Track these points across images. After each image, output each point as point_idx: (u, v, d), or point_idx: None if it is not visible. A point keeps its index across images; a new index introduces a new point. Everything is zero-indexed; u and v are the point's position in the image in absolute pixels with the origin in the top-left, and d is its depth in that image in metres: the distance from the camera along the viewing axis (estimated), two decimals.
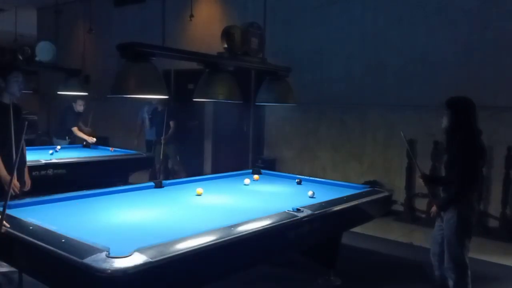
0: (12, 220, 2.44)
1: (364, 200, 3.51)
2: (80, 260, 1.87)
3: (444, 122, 3.18)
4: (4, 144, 3.30)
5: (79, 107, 6.58)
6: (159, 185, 3.69)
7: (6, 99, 3.47)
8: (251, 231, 2.44)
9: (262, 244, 2.59)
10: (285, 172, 4.88)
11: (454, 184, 3.10)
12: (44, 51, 5.69)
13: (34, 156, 4.92)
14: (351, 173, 6.42)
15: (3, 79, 3.39)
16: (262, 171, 4.62)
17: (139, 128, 7.29)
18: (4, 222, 2.26)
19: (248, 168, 4.81)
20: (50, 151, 5.55)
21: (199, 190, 3.51)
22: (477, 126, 3.12)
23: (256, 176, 4.32)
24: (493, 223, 5.41)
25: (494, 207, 5.40)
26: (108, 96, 3.20)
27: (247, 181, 4.02)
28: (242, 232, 2.39)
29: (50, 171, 4.54)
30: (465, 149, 3.05)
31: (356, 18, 6.46)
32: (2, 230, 2.22)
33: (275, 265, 3.86)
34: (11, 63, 5.92)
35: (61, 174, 4.65)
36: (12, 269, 3.07)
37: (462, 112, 3.12)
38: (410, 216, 5.89)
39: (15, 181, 3.21)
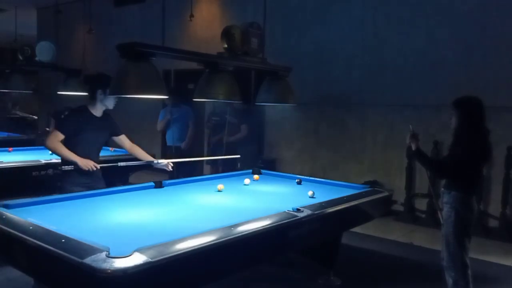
0: (12, 220, 2.45)
1: (364, 200, 3.51)
2: (80, 260, 1.87)
3: (453, 122, 3.18)
4: (78, 144, 3.58)
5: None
6: (159, 185, 3.69)
7: (97, 110, 3.70)
8: (251, 231, 2.44)
9: (262, 244, 2.58)
10: (285, 172, 4.88)
11: (443, 163, 3.23)
12: (44, 51, 5.67)
13: (34, 156, 4.92)
14: (351, 173, 6.42)
15: (102, 91, 3.61)
16: (262, 171, 4.62)
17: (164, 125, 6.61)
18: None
19: (248, 168, 4.80)
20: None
21: (220, 186, 3.64)
22: (485, 125, 3.12)
23: (256, 176, 4.31)
24: (493, 223, 5.41)
25: (494, 207, 5.40)
26: (108, 96, 3.21)
27: (247, 181, 4.02)
28: (242, 232, 2.38)
29: (50, 171, 4.52)
30: (470, 147, 3.05)
31: (356, 18, 6.46)
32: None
33: (275, 265, 3.86)
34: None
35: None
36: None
37: (470, 112, 3.12)
38: (410, 216, 5.89)
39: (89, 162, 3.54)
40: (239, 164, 6.49)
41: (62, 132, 3.55)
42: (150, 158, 3.98)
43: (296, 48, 6.98)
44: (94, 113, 3.70)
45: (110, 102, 3.72)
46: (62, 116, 3.58)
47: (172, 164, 3.88)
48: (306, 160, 6.97)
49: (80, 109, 3.71)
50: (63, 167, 3.56)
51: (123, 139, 3.97)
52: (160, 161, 3.93)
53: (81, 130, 3.59)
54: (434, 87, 5.76)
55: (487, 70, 5.43)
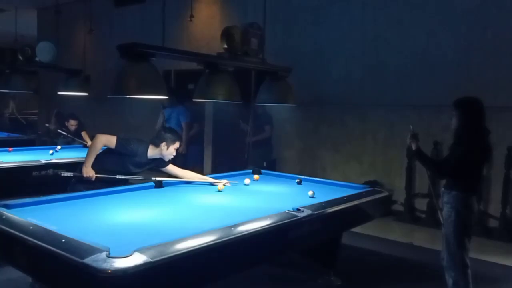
0: (12, 220, 2.45)
1: (364, 200, 3.51)
2: (80, 260, 1.87)
3: (454, 123, 3.18)
4: (113, 160, 3.72)
5: (71, 126, 6.40)
6: (159, 185, 3.69)
7: (153, 154, 3.75)
8: (251, 231, 2.44)
9: (262, 244, 2.58)
10: (285, 172, 4.88)
11: (443, 164, 3.25)
12: (44, 51, 5.67)
13: (34, 156, 4.93)
14: (351, 173, 6.42)
15: (166, 145, 3.72)
16: (262, 171, 4.62)
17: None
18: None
19: (248, 168, 4.80)
20: (50, 151, 5.55)
21: (220, 186, 3.66)
22: (485, 126, 3.13)
23: (256, 176, 4.31)
24: (493, 223, 5.41)
25: (494, 207, 5.40)
26: (108, 96, 3.21)
27: (247, 181, 4.02)
28: (242, 232, 2.39)
29: (50, 171, 4.53)
30: (470, 148, 3.06)
31: (356, 18, 6.46)
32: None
33: (275, 265, 3.86)
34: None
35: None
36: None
37: (471, 112, 3.13)
38: (410, 216, 5.89)
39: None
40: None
41: (116, 146, 3.64)
42: (205, 179, 3.94)
43: (296, 48, 6.98)
44: (148, 154, 3.76)
45: (167, 156, 3.80)
46: (128, 140, 3.74)
47: (228, 183, 3.78)
48: (306, 160, 6.97)
49: (142, 145, 3.76)
50: (63, 173, 3.75)
51: (171, 169, 3.94)
52: (216, 181, 3.85)
53: (125, 156, 3.70)
54: (434, 87, 5.76)
55: (487, 70, 5.43)
